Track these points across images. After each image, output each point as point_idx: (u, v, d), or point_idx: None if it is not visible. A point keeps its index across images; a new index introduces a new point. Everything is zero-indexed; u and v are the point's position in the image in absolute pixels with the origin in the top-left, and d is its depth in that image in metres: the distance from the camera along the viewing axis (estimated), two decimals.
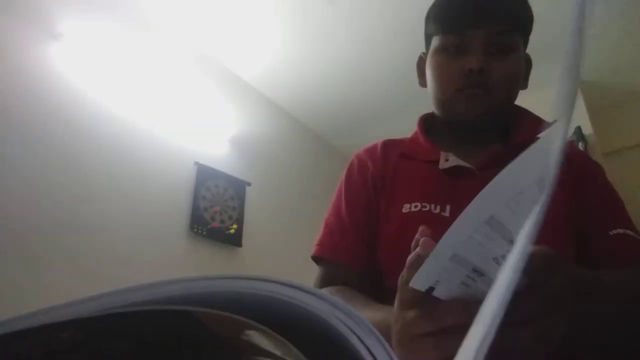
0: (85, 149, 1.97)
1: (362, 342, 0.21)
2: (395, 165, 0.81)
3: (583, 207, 0.73)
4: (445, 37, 0.75)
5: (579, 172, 0.76)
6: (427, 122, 0.87)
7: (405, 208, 0.73)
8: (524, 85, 0.79)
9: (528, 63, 0.80)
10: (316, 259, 0.79)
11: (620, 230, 0.69)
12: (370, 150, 0.86)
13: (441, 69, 0.76)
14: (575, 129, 2.77)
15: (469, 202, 0.71)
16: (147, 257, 2.06)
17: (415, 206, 0.72)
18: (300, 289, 0.21)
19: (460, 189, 0.71)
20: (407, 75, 3.24)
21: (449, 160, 0.75)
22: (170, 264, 2.16)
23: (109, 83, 2.14)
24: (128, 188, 2.09)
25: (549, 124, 0.76)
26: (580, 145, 2.68)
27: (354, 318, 0.22)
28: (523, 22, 0.75)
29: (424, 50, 0.84)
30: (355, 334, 0.21)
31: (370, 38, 2.60)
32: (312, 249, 0.80)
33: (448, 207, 0.70)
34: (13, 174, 1.69)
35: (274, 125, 3.15)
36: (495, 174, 0.73)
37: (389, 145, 0.86)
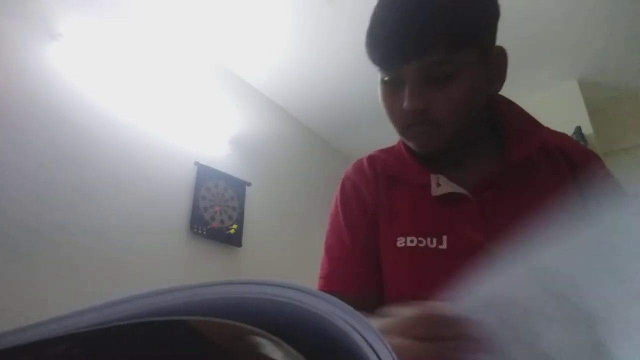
0: (85, 149, 1.96)
1: (363, 337, 0.21)
2: (386, 189, 0.75)
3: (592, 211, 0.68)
4: (381, 73, 0.68)
5: (580, 171, 0.71)
6: None
7: (400, 242, 0.68)
8: (495, 88, 0.70)
9: (501, 56, 0.69)
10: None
11: None
12: (359, 171, 0.80)
13: (385, 104, 0.70)
14: (575, 129, 2.77)
15: (466, 229, 0.69)
16: (147, 257, 2.06)
17: (411, 241, 0.67)
18: (298, 289, 0.21)
19: (456, 216, 0.67)
20: None
21: (440, 185, 0.69)
22: (170, 264, 2.15)
23: (108, 83, 2.13)
24: (128, 188, 2.09)
25: (544, 131, 0.74)
26: None
27: (354, 315, 0.21)
28: (467, 38, 0.62)
29: None
30: (355, 329, 0.21)
31: None
32: (318, 281, 0.76)
33: (445, 238, 0.66)
34: (10, 175, 1.69)
35: (275, 126, 3.15)
36: (490, 196, 0.71)
37: (376, 162, 0.80)
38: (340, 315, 0.21)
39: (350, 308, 0.22)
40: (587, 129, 2.82)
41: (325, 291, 0.75)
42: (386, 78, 0.67)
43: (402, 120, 0.67)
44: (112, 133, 2.10)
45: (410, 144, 0.70)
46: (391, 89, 0.67)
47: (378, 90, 0.71)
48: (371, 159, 0.82)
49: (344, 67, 2.86)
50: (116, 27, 2.24)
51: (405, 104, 0.64)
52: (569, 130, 2.75)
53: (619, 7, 2.46)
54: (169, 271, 2.13)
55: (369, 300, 0.70)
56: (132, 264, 1.98)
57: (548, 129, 0.77)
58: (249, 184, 2.72)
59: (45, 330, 0.18)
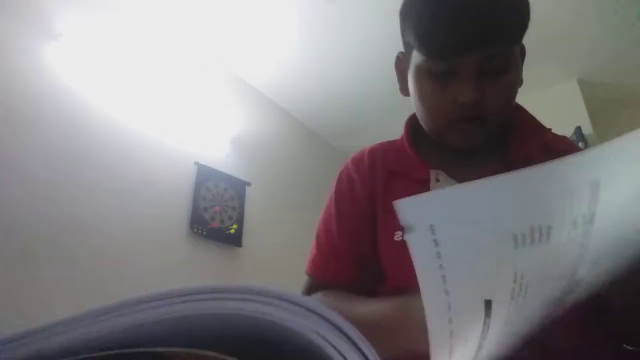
0: (85, 149, 1.96)
1: (341, 354, 0.21)
2: (385, 183, 0.75)
3: None
4: (430, 61, 0.64)
5: None
6: (414, 126, 0.79)
7: (397, 236, 0.68)
8: (520, 84, 0.71)
9: (522, 54, 0.71)
10: (307, 275, 0.77)
11: None
12: (358, 163, 0.80)
13: (428, 96, 0.67)
14: (575, 129, 2.77)
15: None
16: (147, 257, 2.06)
17: None
18: (266, 302, 0.21)
19: None
20: None
21: (440, 181, 0.69)
22: (170, 264, 2.15)
23: (108, 83, 2.14)
24: (128, 188, 2.09)
25: (549, 133, 0.73)
26: (581, 145, 2.68)
27: (334, 331, 0.21)
28: (521, 34, 0.64)
29: (402, 50, 0.74)
30: (333, 346, 0.21)
31: (370, 37, 2.59)
32: (306, 262, 0.78)
33: None
34: (11, 174, 1.69)
35: (274, 126, 3.15)
36: None
37: (377, 155, 0.80)
38: (310, 327, 0.21)
39: (330, 318, 0.21)
40: (587, 129, 2.82)
41: (312, 277, 0.74)
42: (433, 70, 0.64)
43: (452, 114, 0.65)
44: (112, 133, 2.10)
45: (453, 139, 0.68)
46: (438, 81, 0.64)
47: (414, 84, 0.68)
48: (372, 151, 0.81)
49: (344, 67, 2.86)
50: (116, 27, 2.24)
51: (463, 96, 0.61)
52: (569, 131, 2.75)
53: (619, 7, 2.46)
54: (169, 271, 2.13)
55: (353, 289, 0.70)
56: (132, 263, 1.98)
57: (553, 132, 0.77)
58: (249, 184, 2.72)
59: (17, 354, 0.18)
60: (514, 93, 0.67)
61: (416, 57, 0.66)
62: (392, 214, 0.72)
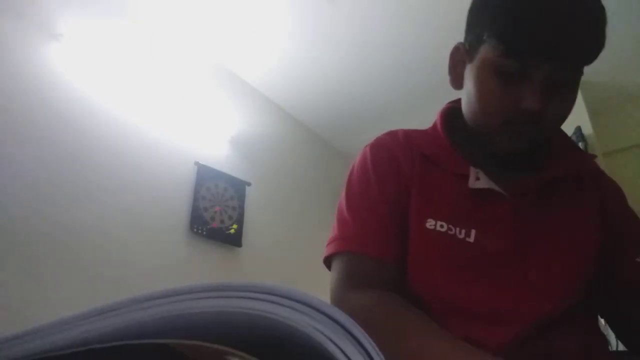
0: (85, 149, 1.97)
1: (343, 353, 0.21)
2: (420, 168, 0.72)
3: (609, 232, 0.70)
4: (503, 60, 0.61)
5: (605, 194, 0.73)
6: (450, 118, 0.76)
7: (430, 224, 0.66)
8: None
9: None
10: (338, 254, 0.68)
11: None
12: (394, 138, 0.77)
13: (489, 94, 0.65)
14: (575, 129, 2.77)
15: (495, 229, 0.66)
16: (147, 257, 2.06)
17: (441, 226, 0.65)
18: (270, 301, 0.21)
19: (488, 214, 0.66)
20: (409, 76, 3.22)
21: (480, 179, 0.67)
22: (170, 264, 2.16)
23: (109, 83, 2.14)
24: (128, 188, 2.09)
25: (587, 157, 0.75)
26: (580, 145, 2.68)
27: (327, 324, 0.21)
28: (598, 54, 0.62)
29: (462, 41, 0.71)
30: (335, 344, 0.20)
31: (371, 39, 2.59)
32: (330, 245, 0.70)
33: (473, 233, 0.65)
34: (12, 175, 1.69)
35: (274, 126, 3.15)
36: (526, 202, 0.69)
37: (411, 136, 0.77)
38: (313, 325, 0.21)
39: (324, 317, 0.21)
40: (587, 129, 2.81)
41: (346, 252, 0.67)
42: (502, 68, 0.62)
43: (509, 116, 0.63)
44: (112, 133, 2.10)
45: (501, 140, 0.66)
46: (504, 81, 0.63)
47: (476, 78, 0.66)
48: (406, 133, 0.78)
49: (345, 67, 2.86)
50: (116, 27, 2.24)
51: (529, 103, 0.60)
52: (569, 131, 2.74)
53: (618, 8, 2.46)
54: (169, 271, 2.13)
55: (391, 267, 0.66)
56: (132, 263, 1.98)
57: (583, 154, 0.77)
58: (249, 184, 2.72)
59: (27, 348, 0.18)
60: (570, 111, 0.66)
61: (486, 52, 0.64)
62: (425, 199, 0.70)
